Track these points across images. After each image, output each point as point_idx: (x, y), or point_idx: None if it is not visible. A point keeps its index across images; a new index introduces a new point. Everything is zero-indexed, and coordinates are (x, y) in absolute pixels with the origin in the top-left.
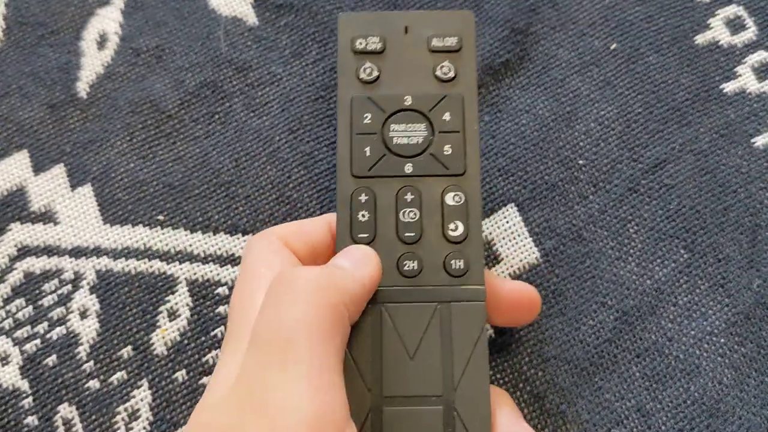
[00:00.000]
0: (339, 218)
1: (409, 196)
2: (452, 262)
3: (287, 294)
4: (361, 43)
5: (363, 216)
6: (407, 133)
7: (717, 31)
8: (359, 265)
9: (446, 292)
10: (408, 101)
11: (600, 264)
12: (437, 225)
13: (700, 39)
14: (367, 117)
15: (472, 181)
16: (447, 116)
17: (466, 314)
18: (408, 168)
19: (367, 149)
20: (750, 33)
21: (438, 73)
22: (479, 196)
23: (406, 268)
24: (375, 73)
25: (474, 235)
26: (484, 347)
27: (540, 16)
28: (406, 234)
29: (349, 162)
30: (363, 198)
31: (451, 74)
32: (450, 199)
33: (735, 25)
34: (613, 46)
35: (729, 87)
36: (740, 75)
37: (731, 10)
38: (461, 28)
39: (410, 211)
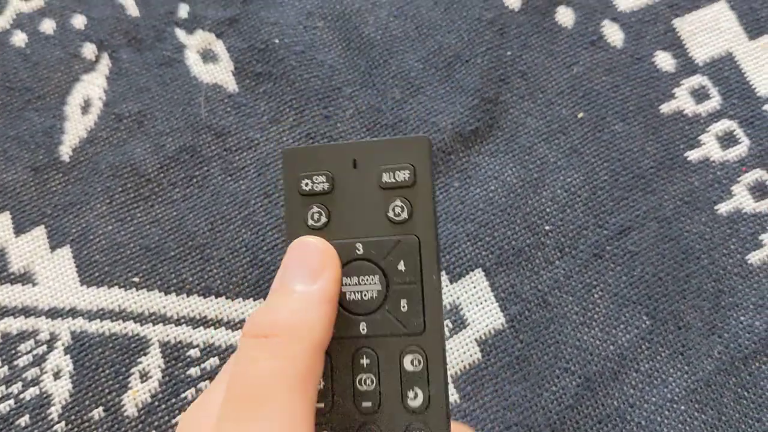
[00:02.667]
0: None
1: (365, 361)
2: None
3: (262, 348)
4: (307, 184)
5: (319, 384)
6: (360, 288)
7: (682, 101)
8: (317, 278)
9: None
10: (359, 250)
11: (564, 329)
12: (396, 392)
13: (665, 108)
14: None
15: (433, 341)
16: (401, 266)
17: None
18: (363, 328)
19: None
20: (714, 102)
21: (390, 213)
22: (442, 356)
23: None
24: (323, 219)
25: (436, 403)
26: None
27: (509, 86)
28: (363, 404)
29: None
30: None
31: (404, 215)
32: (408, 363)
33: (699, 95)
34: (580, 115)
35: (693, 155)
36: (704, 143)
37: (696, 80)
38: (415, 157)
39: (367, 377)
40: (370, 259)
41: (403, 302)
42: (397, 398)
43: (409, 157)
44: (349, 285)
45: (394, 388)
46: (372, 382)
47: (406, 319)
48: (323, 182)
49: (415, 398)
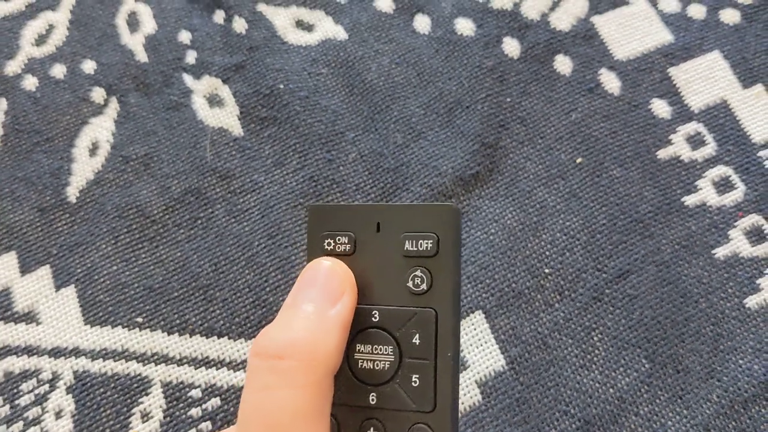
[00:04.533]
0: None
1: None
2: None
3: (276, 373)
4: (329, 244)
5: None
6: (373, 357)
7: (678, 147)
8: (336, 302)
9: None
10: (375, 317)
11: (564, 372)
12: None
13: (662, 154)
14: None
15: (441, 420)
16: (416, 339)
17: None
18: (372, 398)
19: None
20: (709, 148)
21: (409, 284)
22: None
23: None
24: None
25: None
26: None
27: (509, 131)
28: None
29: None
30: None
31: (424, 286)
32: None
33: (695, 141)
34: (578, 160)
35: (690, 200)
36: (701, 188)
37: (691, 127)
38: (439, 226)
39: None
40: (385, 328)
41: (415, 377)
42: None
43: (434, 226)
44: (363, 353)
45: None
46: None
47: (416, 395)
48: (345, 243)
49: None
